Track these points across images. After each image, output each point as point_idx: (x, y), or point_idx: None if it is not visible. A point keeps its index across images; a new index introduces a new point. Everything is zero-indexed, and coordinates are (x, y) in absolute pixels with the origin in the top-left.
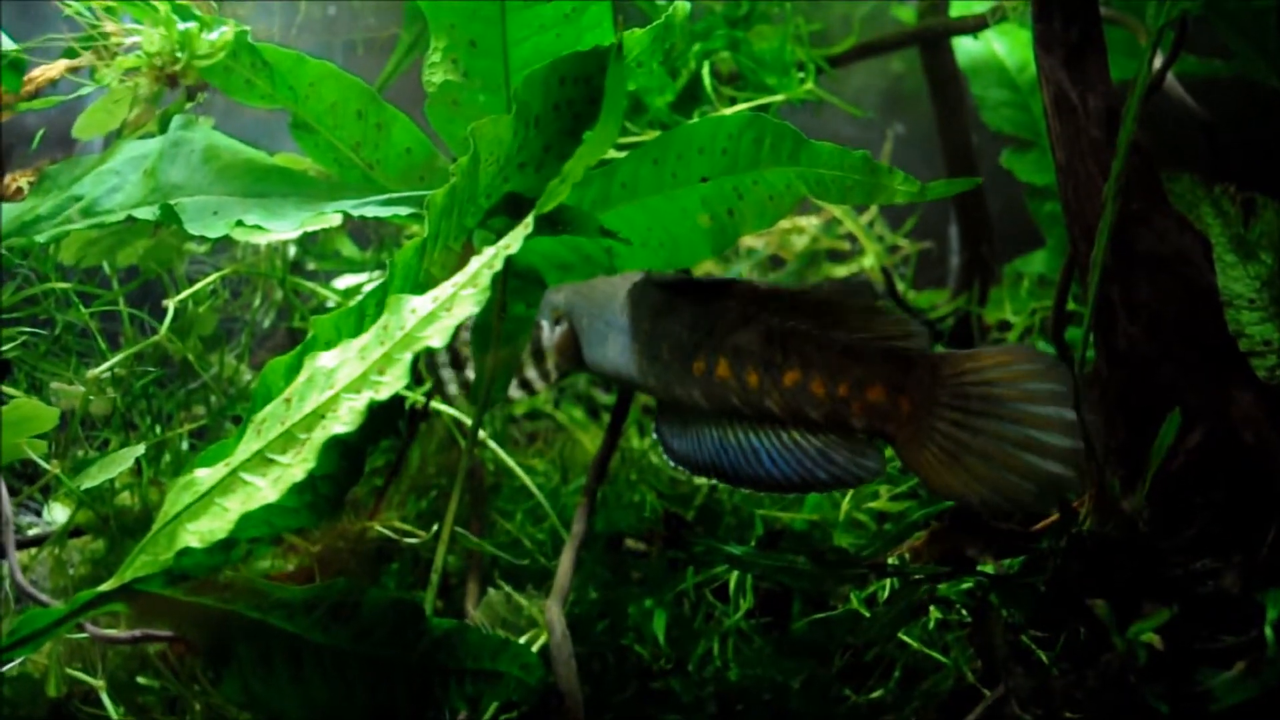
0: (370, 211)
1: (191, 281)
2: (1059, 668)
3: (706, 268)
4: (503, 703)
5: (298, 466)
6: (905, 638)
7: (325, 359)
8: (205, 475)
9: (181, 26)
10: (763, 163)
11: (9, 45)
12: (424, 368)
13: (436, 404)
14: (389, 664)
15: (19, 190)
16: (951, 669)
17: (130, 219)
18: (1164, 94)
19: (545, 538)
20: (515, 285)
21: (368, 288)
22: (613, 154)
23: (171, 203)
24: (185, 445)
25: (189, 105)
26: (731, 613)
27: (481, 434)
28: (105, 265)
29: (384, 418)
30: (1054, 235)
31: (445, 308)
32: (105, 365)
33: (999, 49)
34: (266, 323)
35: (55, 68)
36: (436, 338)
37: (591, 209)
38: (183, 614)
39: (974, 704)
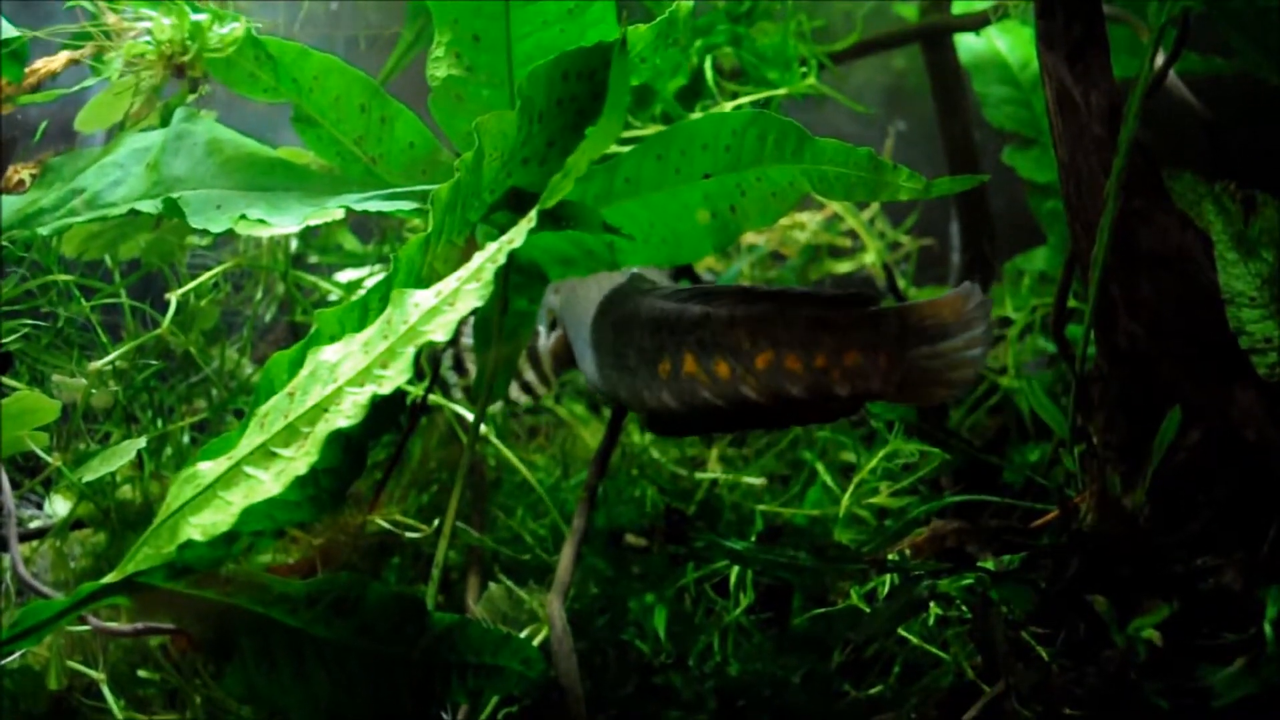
0: (374, 206)
1: (193, 274)
2: (1059, 664)
3: (708, 264)
4: (504, 697)
5: (300, 460)
6: (905, 633)
7: (328, 353)
8: (208, 468)
9: (194, 18)
10: (766, 159)
11: (10, 31)
12: (425, 363)
13: (438, 399)
14: (391, 658)
15: (21, 183)
16: (951, 665)
17: (133, 212)
18: (1166, 91)
19: (546, 533)
20: (517, 280)
21: (370, 282)
22: (616, 148)
23: (174, 196)
24: (186, 438)
25: (191, 98)
26: (732, 608)
27: (483, 429)
28: (107, 258)
29: (387, 412)
30: (1055, 232)
31: (448, 302)
32: (107, 358)
33: (1001, 46)
34: (268, 316)
35: (57, 60)
36: (440, 332)
37: (594, 204)
38: (185, 607)
39: (974, 700)
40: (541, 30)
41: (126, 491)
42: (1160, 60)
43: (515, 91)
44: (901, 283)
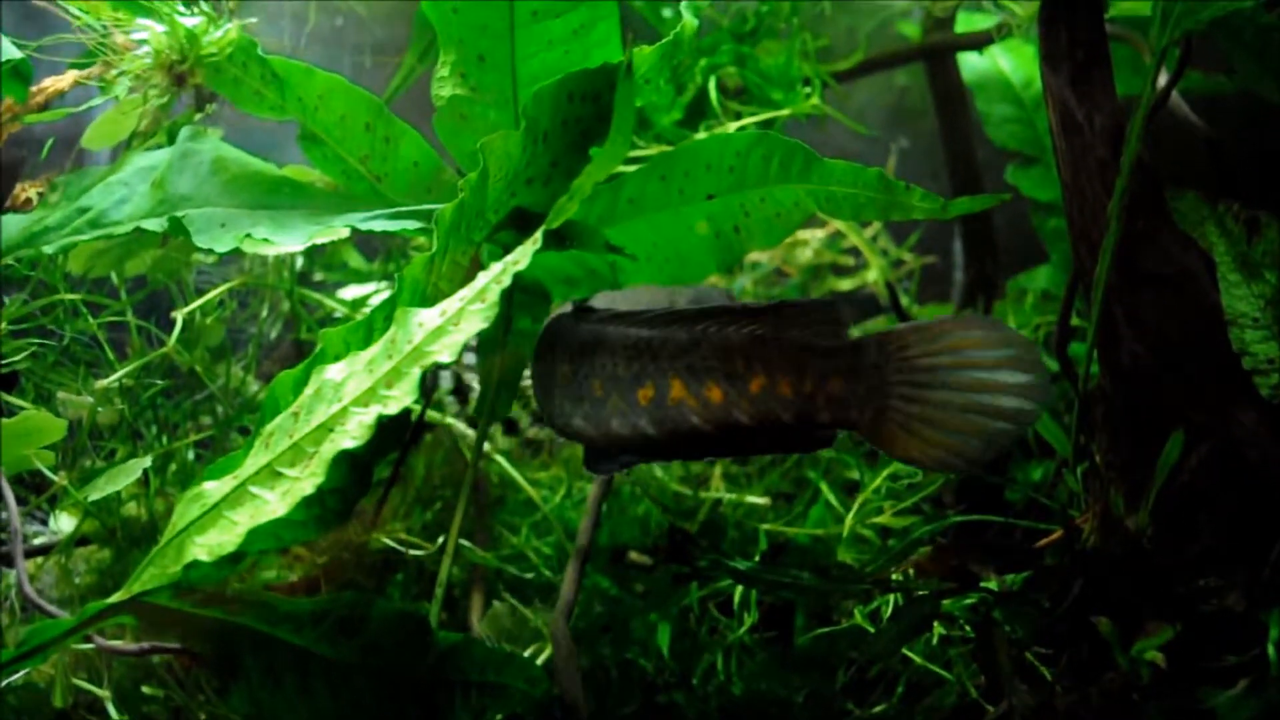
0: (379, 226)
1: (199, 292)
2: (1062, 685)
3: (712, 281)
4: (508, 716)
5: (306, 480)
6: (909, 653)
7: (333, 372)
8: (213, 488)
9: (188, 22)
10: (771, 180)
11: (13, 52)
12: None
13: (444, 416)
14: (395, 677)
15: (28, 201)
16: (955, 685)
17: (138, 230)
18: (1168, 110)
19: (550, 551)
20: (521, 299)
21: (375, 299)
22: (619, 168)
23: (179, 215)
24: (192, 455)
25: (197, 116)
26: (735, 627)
27: (486, 446)
28: (113, 275)
29: (392, 431)
30: (1058, 251)
31: (453, 322)
32: (113, 376)
33: (1004, 65)
34: (273, 334)
35: (64, 79)
36: (445, 353)
37: (598, 224)
38: (190, 626)
39: None
40: (546, 51)
41: (132, 509)
42: (1163, 79)
43: (520, 112)
44: (904, 300)
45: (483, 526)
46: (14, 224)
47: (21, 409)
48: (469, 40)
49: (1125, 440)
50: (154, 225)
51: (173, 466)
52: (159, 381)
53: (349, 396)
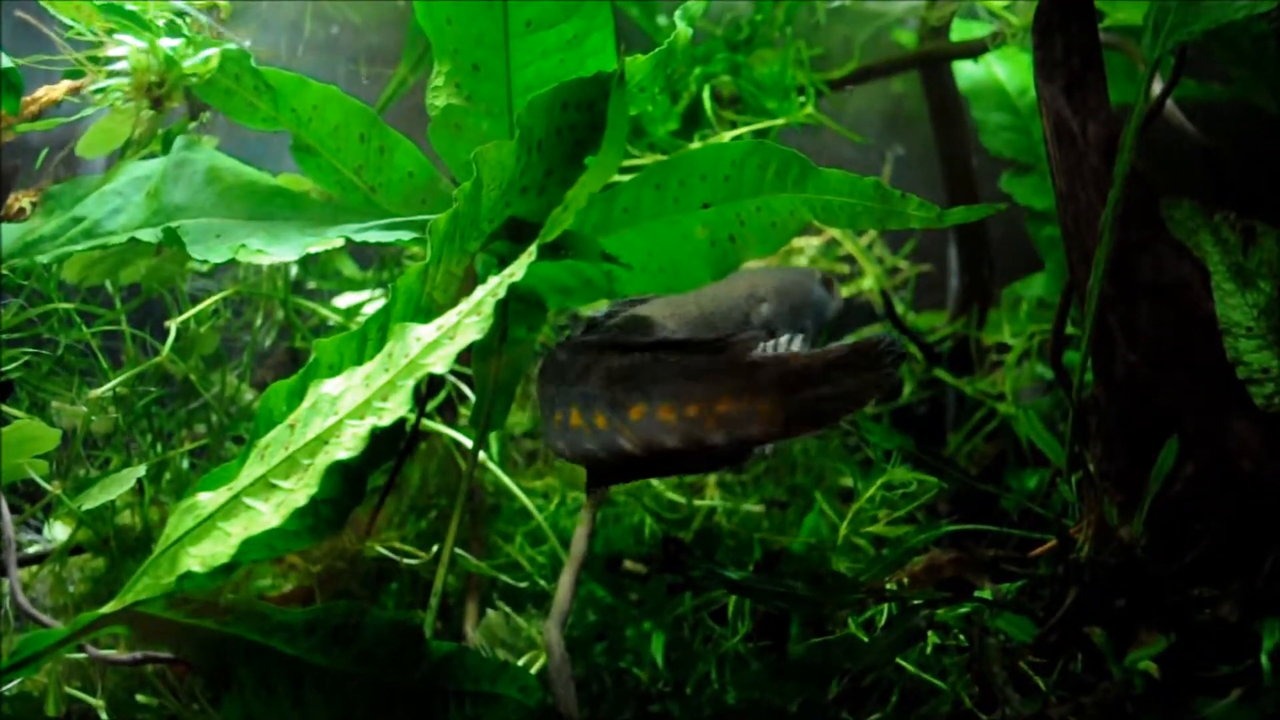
0: (373, 236)
1: (193, 300)
2: (1056, 695)
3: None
4: None
5: (300, 491)
6: (903, 662)
7: (330, 385)
8: (207, 499)
9: (169, 45)
10: (767, 189)
11: (6, 63)
12: None
13: (438, 425)
14: (389, 687)
15: (22, 210)
16: (949, 694)
17: (133, 240)
18: (1164, 119)
19: (545, 560)
20: (516, 309)
21: (368, 308)
22: (615, 177)
23: (174, 225)
24: (186, 464)
25: (192, 125)
26: (730, 636)
27: (481, 455)
28: (107, 284)
29: (386, 441)
30: (1053, 259)
31: (449, 335)
32: (107, 385)
33: (999, 73)
34: (268, 342)
35: (58, 89)
36: (439, 364)
37: (593, 233)
38: (184, 636)
39: None
40: (541, 60)
41: (126, 517)
42: (1157, 90)
43: (514, 121)
44: (900, 308)
45: (477, 535)
46: (8, 233)
47: (16, 418)
48: (463, 50)
49: (1119, 449)
50: (149, 235)
51: (167, 475)
52: (153, 390)
53: (345, 409)
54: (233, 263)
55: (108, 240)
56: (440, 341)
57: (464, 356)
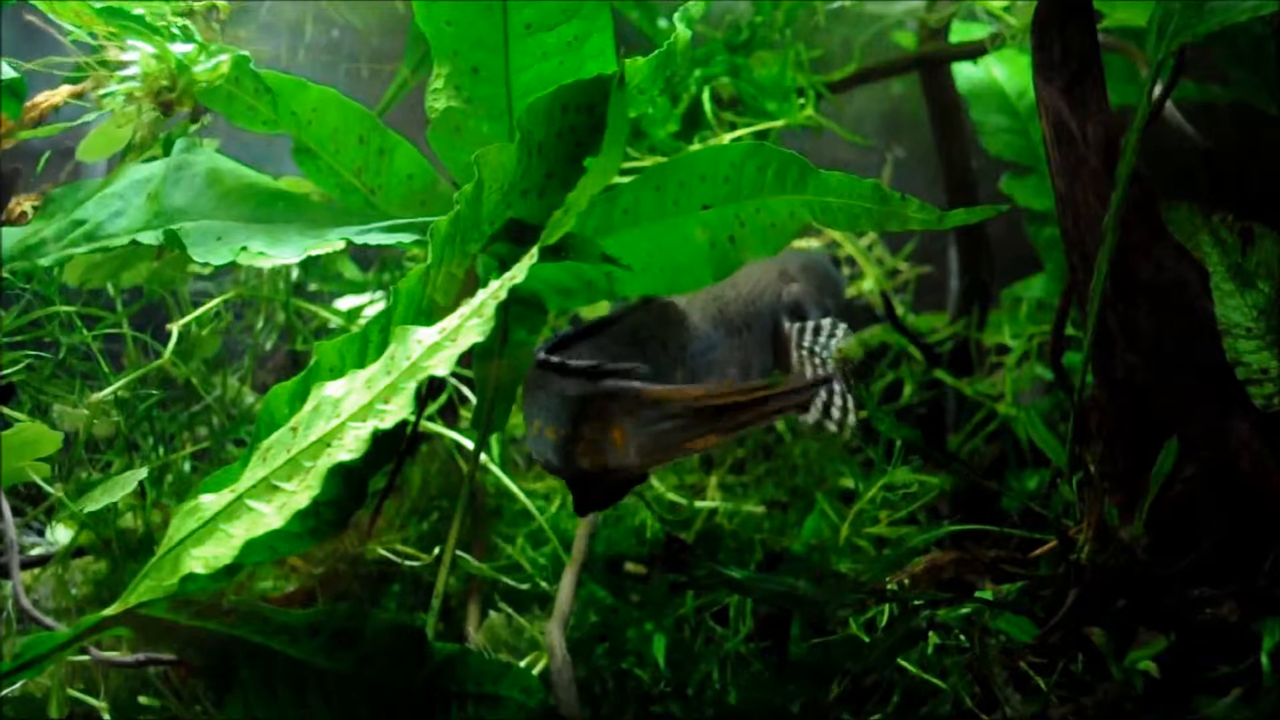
0: (374, 239)
1: (195, 304)
2: (1056, 695)
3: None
4: None
5: (303, 493)
6: (904, 663)
7: (332, 388)
8: (210, 501)
9: (179, 50)
10: (767, 190)
11: (9, 72)
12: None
13: (439, 427)
14: (391, 689)
15: (24, 214)
16: (950, 695)
17: (134, 243)
18: (1162, 120)
19: (546, 561)
20: (517, 311)
21: (369, 310)
22: (615, 179)
23: (175, 228)
24: (188, 467)
25: (192, 128)
26: (731, 636)
27: (482, 457)
28: (109, 287)
29: (388, 443)
30: (1053, 260)
31: (450, 338)
32: (109, 388)
33: (998, 75)
34: (269, 345)
35: (59, 94)
36: (441, 367)
37: (593, 235)
38: (186, 638)
39: None
40: (541, 63)
41: (128, 520)
42: (1157, 91)
43: (514, 124)
44: (900, 309)
45: (479, 537)
46: (10, 237)
47: (18, 421)
48: (463, 53)
49: (1120, 450)
50: (150, 238)
51: (169, 478)
52: (155, 393)
53: (347, 412)
54: (234, 265)
55: (109, 243)
56: (442, 344)
57: (465, 359)
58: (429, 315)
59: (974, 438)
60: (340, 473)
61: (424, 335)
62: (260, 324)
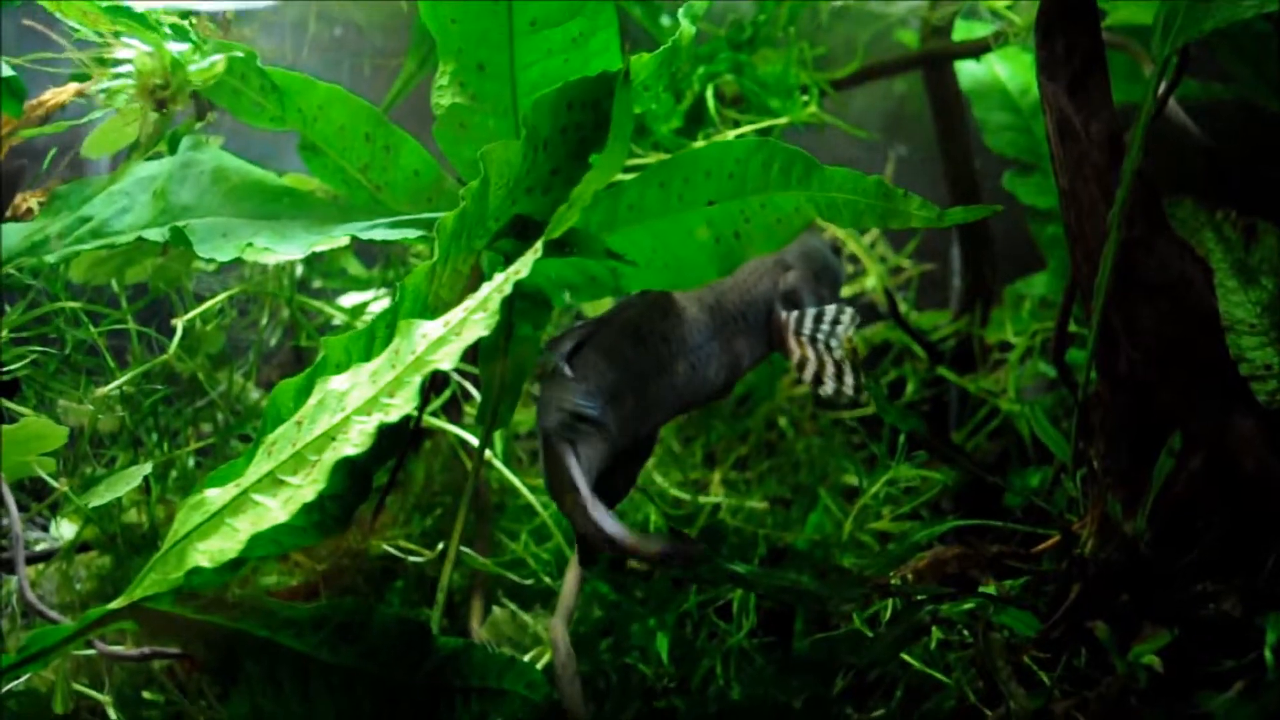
0: (379, 235)
1: (199, 299)
2: (1060, 689)
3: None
4: None
5: (308, 487)
6: (907, 658)
7: (337, 382)
8: (215, 495)
9: (175, 49)
10: (771, 186)
11: (8, 71)
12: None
13: (443, 423)
14: (396, 683)
15: (29, 210)
16: (953, 689)
17: (140, 240)
18: (1166, 118)
19: (550, 557)
20: (522, 306)
21: (374, 306)
22: (619, 175)
23: (181, 225)
24: (192, 463)
25: (198, 125)
26: (734, 632)
27: (486, 453)
28: (114, 283)
29: (392, 438)
30: (1056, 257)
31: (455, 332)
32: (114, 384)
33: (1001, 72)
34: (274, 341)
35: (65, 92)
36: (445, 361)
37: (598, 231)
38: (191, 631)
39: None
40: (546, 59)
41: (133, 515)
42: (1161, 89)
43: (520, 120)
44: (903, 307)
45: (483, 533)
46: (16, 233)
47: (23, 416)
48: (468, 49)
49: (1123, 446)
50: (155, 235)
51: (173, 473)
52: (159, 389)
53: (352, 406)
54: (239, 262)
55: (114, 240)
56: (447, 338)
57: (469, 354)
58: (435, 311)
59: (977, 434)
60: (345, 467)
61: (428, 329)
62: (265, 320)
